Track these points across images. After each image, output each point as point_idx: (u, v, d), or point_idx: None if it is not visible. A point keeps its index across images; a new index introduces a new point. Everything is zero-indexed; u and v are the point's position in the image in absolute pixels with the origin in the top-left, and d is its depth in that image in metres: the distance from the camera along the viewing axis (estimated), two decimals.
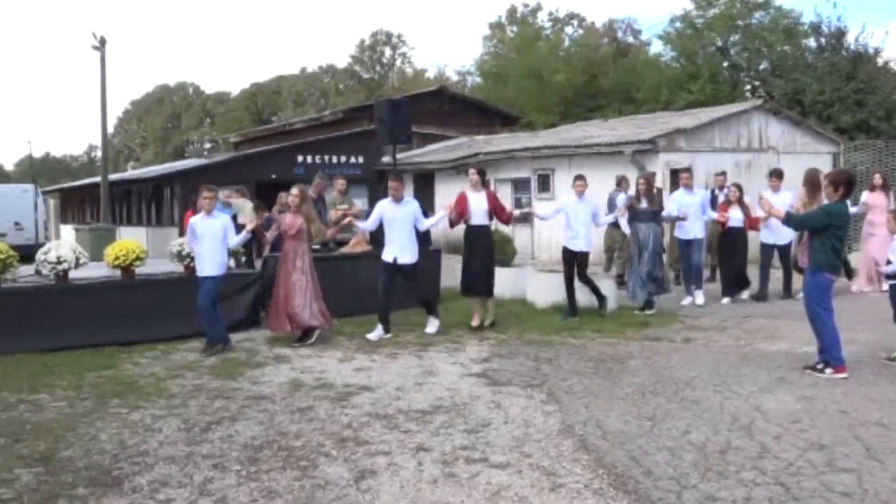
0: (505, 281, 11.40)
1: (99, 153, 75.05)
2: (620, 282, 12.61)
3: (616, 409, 6.18)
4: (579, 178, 10.33)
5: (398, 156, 17.63)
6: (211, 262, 8.60)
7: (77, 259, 9.03)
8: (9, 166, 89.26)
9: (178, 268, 9.92)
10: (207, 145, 71.31)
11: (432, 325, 9.49)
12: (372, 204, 21.37)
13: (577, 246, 10.12)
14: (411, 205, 9.45)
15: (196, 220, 8.74)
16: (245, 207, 13.85)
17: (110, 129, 38.68)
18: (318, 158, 25.05)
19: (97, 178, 29.85)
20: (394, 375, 7.45)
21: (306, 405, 6.44)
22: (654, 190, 10.69)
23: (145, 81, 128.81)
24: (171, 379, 7.46)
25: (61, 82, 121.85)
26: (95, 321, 8.89)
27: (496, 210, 9.73)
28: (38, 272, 9.35)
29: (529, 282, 11.52)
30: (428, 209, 17.63)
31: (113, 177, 30.20)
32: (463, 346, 8.78)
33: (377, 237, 10.14)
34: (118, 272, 9.46)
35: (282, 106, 68.43)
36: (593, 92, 36.69)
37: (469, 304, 9.99)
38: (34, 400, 6.73)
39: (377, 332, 9.16)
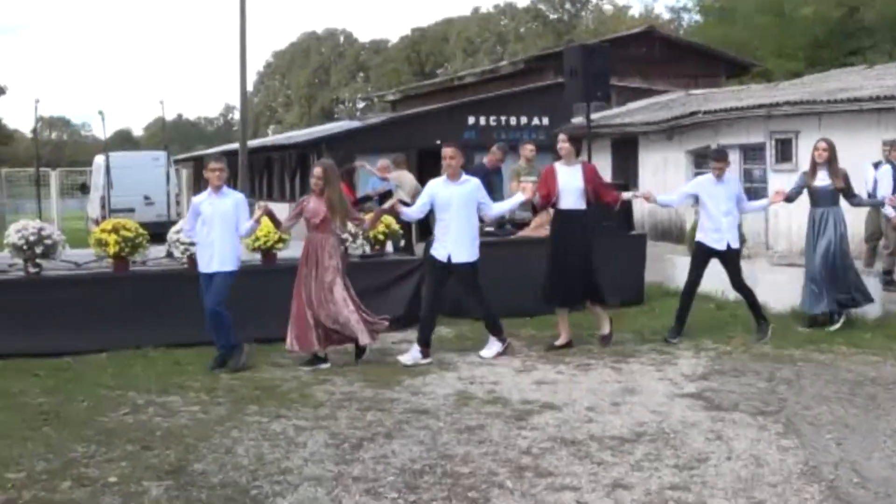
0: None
1: (236, 115, 79.37)
2: (888, 280, 11.92)
3: (880, 449, 5.86)
4: (719, 155, 9.58)
5: (594, 116, 17.47)
6: (223, 254, 8.42)
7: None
8: (138, 131, 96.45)
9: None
10: (360, 105, 73.81)
11: (492, 347, 8.95)
12: None
13: (719, 243, 9.46)
14: (471, 184, 8.99)
15: (201, 200, 8.60)
16: (405, 181, 14.20)
17: (249, 87, 40.82)
18: (492, 120, 25.32)
19: (234, 145, 31.63)
20: (585, 392, 7.42)
21: (476, 423, 6.53)
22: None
23: (290, 30, 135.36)
24: (318, 384, 7.80)
25: (197, 35, 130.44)
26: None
27: (597, 190, 9.22)
28: (169, 254, 10.03)
29: (760, 279, 11.11)
30: (630, 184, 17.32)
31: (252, 143, 31.89)
32: (674, 358, 8.62)
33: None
34: (258, 256, 9.98)
35: (449, 56, 69.59)
36: (853, 29, 34.71)
37: (559, 317, 9.29)
38: (164, 403, 7.26)
39: (412, 355, 8.66)
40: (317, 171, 8.76)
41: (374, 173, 15.02)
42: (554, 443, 6.07)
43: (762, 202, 10.14)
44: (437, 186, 8.94)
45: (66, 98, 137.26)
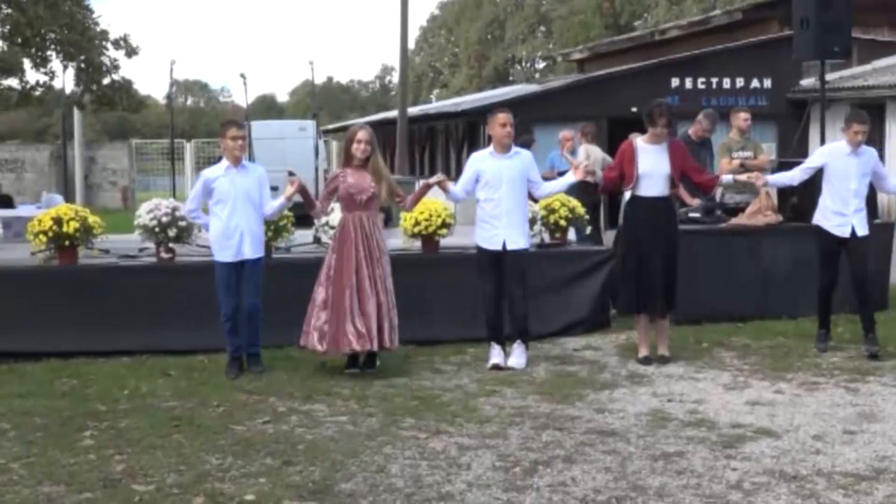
0: None
1: (395, 78, 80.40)
2: None
3: None
4: (856, 119, 9.07)
5: (829, 76, 16.88)
6: (253, 238, 8.54)
7: None
8: (282, 96, 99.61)
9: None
10: (541, 65, 73.75)
11: (519, 357, 8.92)
12: (783, 151, 20.70)
13: (842, 229, 9.08)
14: (523, 158, 9.00)
15: (216, 175, 8.56)
16: (594, 155, 14.17)
17: (410, 45, 41.49)
18: (700, 82, 24.79)
19: (392, 113, 32.28)
20: (810, 416, 7.23)
21: (674, 450, 6.47)
22: None
23: None
24: (485, 396, 7.89)
25: None
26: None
27: (689, 173, 9.06)
28: (317, 240, 10.34)
29: None
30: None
31: (412, 110, 32.41)
32: None
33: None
34: (417, 243, 10.16)
35: (649, 5, 68.64)
36: None
37: (637, 328, 9.23)
38: (309, 412, 7.50)
39: (494, 356, 8.90)
40: (362, 134, 8.60)
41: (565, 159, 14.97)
42: (771, 477, 5.94)
43: None
44: (483, 161, 9.00)
45: (203, 59, 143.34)
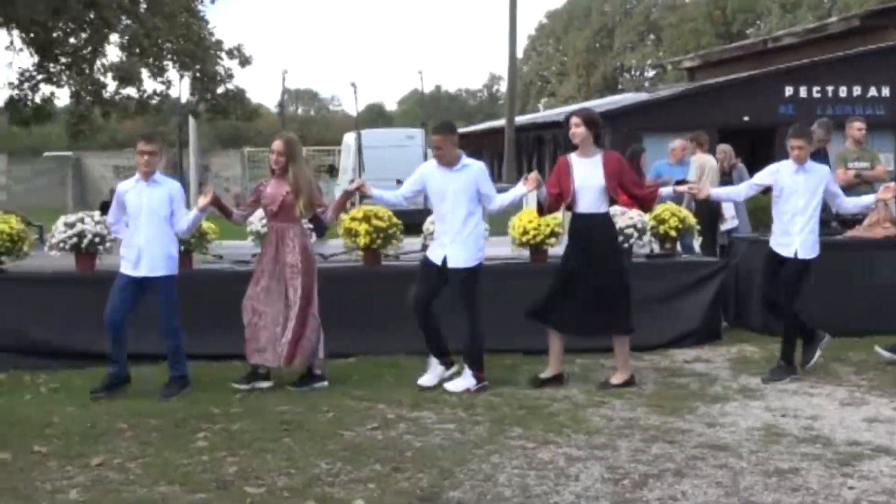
0: None
1: (503, 87, 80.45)
2: None
3: None
4: (796, 134, 8.71)
5: None
6: (152, 255, 8.18)
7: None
8: (391, 105, 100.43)
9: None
10: (650, 73, 73.13)
11: (462, 381, 8.46)
12: None
13: (786, 248, 8.72)
14: (471, 171, 8.57)
15: (126, 188, 8.36)
16: (708, 164, 13.96)
17: (518, 54, 41.53)
18: (815, 90, 24.34)
19: (500, 122, 32.32)
20: None
21: (788, 466, 6.34)
22: None
23: None
24: (594, 407, 7.84)
25: None
26: (496, 316, 9.60)
27: (626, 187, 8.54)
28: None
29: None
30: None
31: (520, 119, 32.45)
32: None
33: None
34: (526, 252, 10.14)
35: (762, 13, 67.61)
36: None
37: (549, 340, 8.66)
38: (417, 419, 7.54)
39: (431, 374, 8.58)
40: (276, 144, 8.48)
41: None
42: (890, 497, 5.80)
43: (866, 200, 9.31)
44: (429, 173, 8.67)
45: (314, 69, 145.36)
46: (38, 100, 21.18)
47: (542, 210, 8.80)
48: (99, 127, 22.89)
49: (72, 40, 20.49)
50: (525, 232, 9.97)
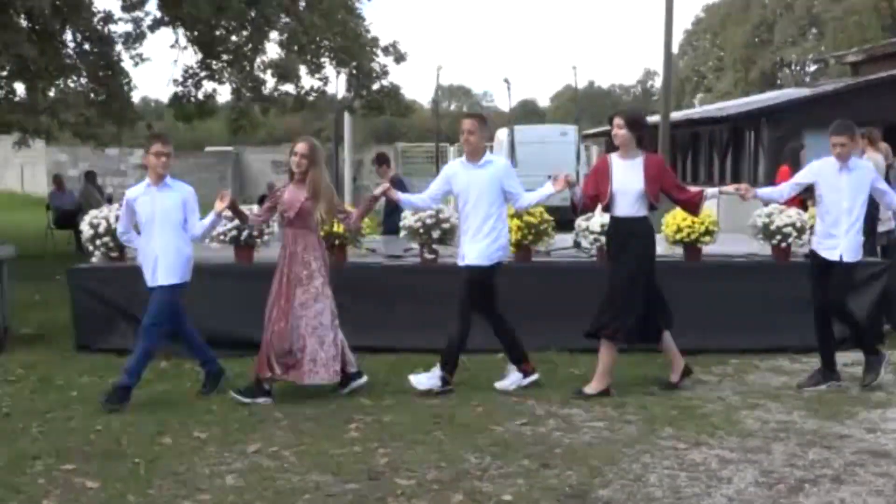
0: None
1: (657, 82, 79.33)
2: None
3: None
4: (837, 130, 8.23)
5: None
6: (168, 262, 7.92)
7: None
8: (543, 101, 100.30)
9: (760, 248, 10.12)
10: (811, 68, 71.12)
11: (503, 378, 8.40)
12: None
13: (831, 252, 8.24)
14: (495, 168, 8.38)
15: (136, 194, 8.05)
16: (879, 162, 13.57)
17: (674, 49, 40.94)
18: None
19: (654, 118, 31.79)
20: None
21: None
22: None
23: None
24: (749, 409, 7.70)
25: None
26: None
27: (668, 190, 8.26)
28: (576, 244, 10.36)
29: None
30: None
31: (675, 115, 31.94)
32: None
33: None
34: (679, 250, 10.01)
35: None
36: None
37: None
38: (567, 416, 7.53)
39: (425, 378, 8.25)
40: (300, 146, 8.06)
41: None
42: None
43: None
44: (454, 170, 8.52)
45: (468, 65, 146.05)
46: (200, 96, 21.75)
47: (576, 210, 8.63)
48: (258, 123, 23.37)
49: (233, 38, 20.97)
50: (679, 230, 9.85)
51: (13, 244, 11.17)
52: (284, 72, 21.08)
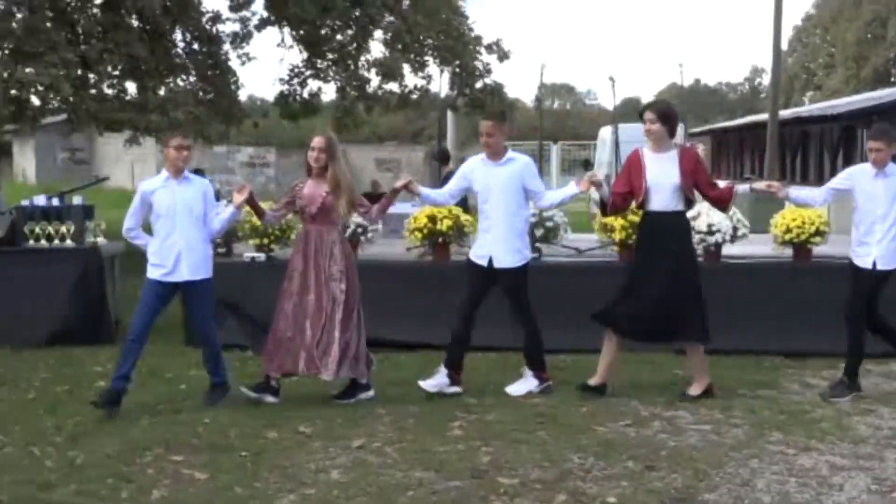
0: None
1: (765, 80, 78.04)
2: None
3: None
4: (875, 135, 7.87)
5: None
6: (194, 256, 7.73)
7: (735, 229, 9.64)
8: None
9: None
10: None
11: (525, 383, 8.25)
12: None
13: (864, 259, 7.92)
14: (516, 165, 8.23)
15: (153, 187, 7.79)
16: None
17: (783, 46, 40.24)
18: None
19: (762, 116, 31.37)
20: None
21: None
22: None
23: None
24: (861, 415, 7.55)
25: None
26: (753, 317, 9.38)
27: (700, 185, 8.02)
28: None
29: None
30: None
31: (783, 113, 31.44)
32: None
33: None
34: (789, 251, 9.84)
35: None
36: None
37: (604, 349, 8.18)
38: (672, 418, 7.46)
39: (437, 380, 8.13)
40: (317, 141, 7.97)
41: None
42: None
43: None
44: (473, 167, 8.39)
45: (571, 63, 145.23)
46: (306, 94, 22.07)
47: (605, 210, 8.41)
48: (362, 121, 23.58)
49: (338, 37, 21.22)
50: (788, 230, 9.67)
51: (123, 240, 11.46)
52: (388, 70, 21.26)
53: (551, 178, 30.20)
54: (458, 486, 5.97)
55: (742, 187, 8.68)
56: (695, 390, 8.04)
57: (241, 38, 20.84)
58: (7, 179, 37.71)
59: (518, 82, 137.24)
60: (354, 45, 21.28)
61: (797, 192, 8.73)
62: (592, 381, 8.12)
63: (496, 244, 8.14)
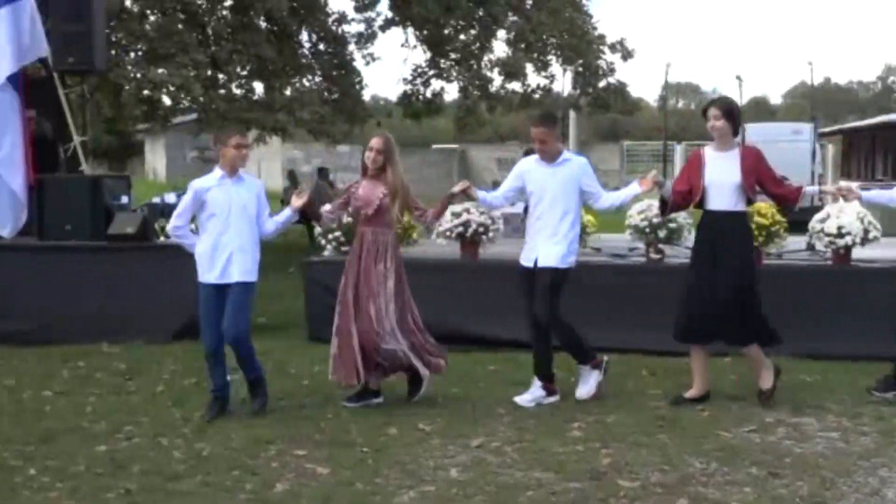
0: None
1: None
2: None
3: None
4: None
5: None
6: (244, 259, 7.53)
7: (866, 232, 9.39)
8: (776, 98, 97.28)
9: None
10: None
11: (581, 386, 8.09)
12: None
13: None
14: (572, 166, 8.00)
15: (208, 185, 7.55)
16: None
17: None
18: None
19: (893, 116, 30.47)
20: None
21: None
22: None
23: None
24: None
25: None
26: (883, 322, 9.13)
27: (765, 182, 7.80)
28: (810, 247, 10.03)
29: None
30: None
31: None
32: None
33: None
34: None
35: None
36: None
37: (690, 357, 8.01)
38: (797, 424, 7.30)
39: (532, 394, 7.98)
40: (375, 142, 7.81)
41: None
42: None
43: None
44: (528, 168, 8.13)
45: (697, 62, 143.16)
46: (429, 94, 22.26)
47: (665, 209, 8.24)
48: (484, 121, 23.66)
49: (462, 37, 21.33)
50: None
51: None
52: (511, 70, 21.28)
53: (673, 178, 29.84)
54: (577, 487, 5.95)
55: (811, 189, 8.57)
56: (766, 383, 7.91)
57: (365, 39, 21.11)
58: (139, 177, 38.77)
59: (642, 81, 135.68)
60: (477, 44, 21.36)
61: (871, 195, 8.40)
62: (689, 395, 7.94)
63: (545, 245, 7.96)
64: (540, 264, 7.93)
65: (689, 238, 9.92)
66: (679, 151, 31.67)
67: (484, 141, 46.93)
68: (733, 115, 7.87)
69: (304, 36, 20.41)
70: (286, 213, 7.83)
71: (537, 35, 20.87)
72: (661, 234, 9.73)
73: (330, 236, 10.21)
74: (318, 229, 10.28)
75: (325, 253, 10.44)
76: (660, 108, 44.06)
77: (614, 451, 6.60)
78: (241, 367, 7.74)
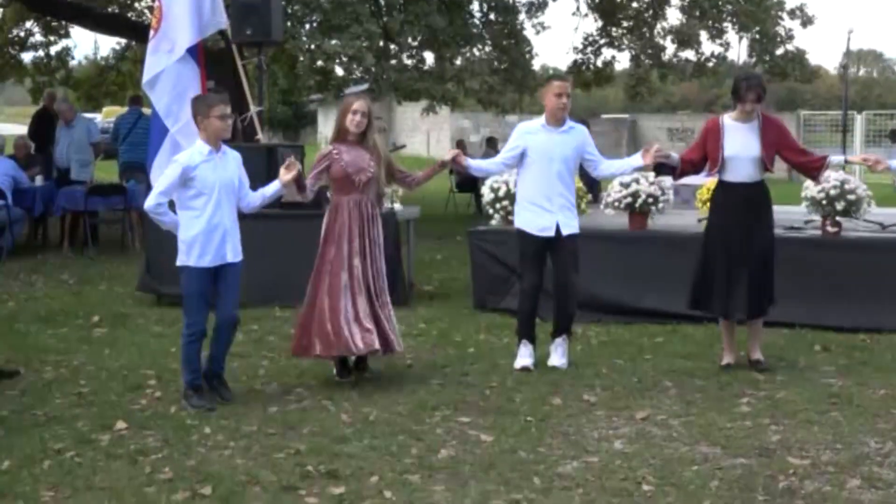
0: None
1: None
2: None
3: None
4: None
5: None
6: (233, 238, 7.02)
7: None
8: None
9: None
10: None
11: (562, 356, 8.04)
12: None
13: None
14: (579, 133, 7.95)
15: (195, 161, 6.88)
16: None
17: None
18: None
19: None
20: None
21: None
22: None
23: None
24: None
25: None
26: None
27: (787, 152, 7.86)
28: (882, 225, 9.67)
29: None
30: None
31: None
32: None
33: None
34: None
35: None
36: None
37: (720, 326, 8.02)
38: None
39: (523, 357, 7.97)
40: (359, 104, 7.38)
41: None
42: None
43: None
44: (531, 134, 7.95)
45: (881, 28, 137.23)
46: (599, 63, 22.02)
47: (675, 175, 8.17)
48: (655, 89, 23.29)
49: (634, 4, 21.03)
50: None
51: (418, 205, 11.87)
52: (685, 38, 20.87)
53: (854, 150, 28.68)
54: (745, 463, 5.82)
55: (836, 158, 8.50)
56: (759, 353, 7.99)
57: (536, 7, 20.99)
58: (311, 145, 39.58)
59: (821, 49, 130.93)
60: (650, 12, 21.01)
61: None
62: (723, 362, 7.97)
63: (562, 212, 7.91)
64: (565, 232, 7.90)
65: (869, 211, 9.60)
66: (859, 121, 30.52)
67: (654, 110, 46.21)
68: (763, 89, 7.81)
69: (475, 6, 20.40)
70: (274, 185, 7.27)
71: (712, 2, 20.36)
72: (839, 206, 9.40)
73: (498, 205, 10.22)
74: (486, 197, 10.27)
75: (493, 222, 10.46)
76: (840, 75, 42.51)
77: (784, 428, 6.44)
78: (217, 356, 7.22)
